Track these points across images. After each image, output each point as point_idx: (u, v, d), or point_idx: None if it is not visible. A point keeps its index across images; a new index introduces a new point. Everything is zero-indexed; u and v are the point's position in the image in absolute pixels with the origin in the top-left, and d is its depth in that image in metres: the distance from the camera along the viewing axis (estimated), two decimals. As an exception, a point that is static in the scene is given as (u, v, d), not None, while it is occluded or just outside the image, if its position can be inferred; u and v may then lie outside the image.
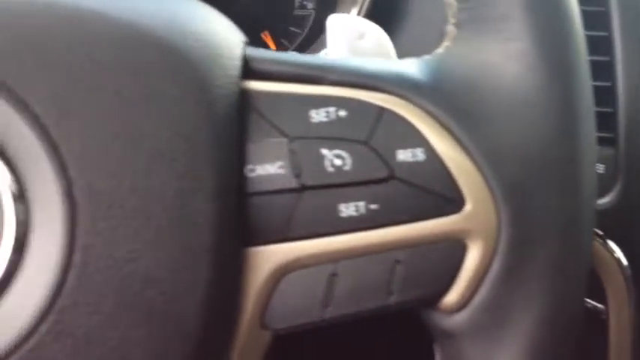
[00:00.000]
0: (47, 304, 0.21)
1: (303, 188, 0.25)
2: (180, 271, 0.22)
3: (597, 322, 0.49)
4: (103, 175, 0.22)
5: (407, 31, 0.56)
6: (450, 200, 0.25)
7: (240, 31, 0.27)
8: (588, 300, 0.48)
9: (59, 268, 0.21)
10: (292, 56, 0.27)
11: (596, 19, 0.48)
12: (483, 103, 0.26)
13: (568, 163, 0.26)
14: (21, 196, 0.21)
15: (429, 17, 0.56)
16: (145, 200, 0.22)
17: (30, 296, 0.21)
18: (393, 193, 0.25)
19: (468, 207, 0.25)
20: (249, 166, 0.24)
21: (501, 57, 0.26)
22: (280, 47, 0.65)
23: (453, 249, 0.26)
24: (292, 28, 0.65)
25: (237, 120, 0.24)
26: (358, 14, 0.58)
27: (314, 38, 0.64)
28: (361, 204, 0.25)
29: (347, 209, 0.25)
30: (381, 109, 0.25)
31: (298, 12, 0.65)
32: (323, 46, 0.62)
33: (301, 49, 0.65)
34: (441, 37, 0.55)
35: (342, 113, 0.25)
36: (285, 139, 0.25)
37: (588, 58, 0.27)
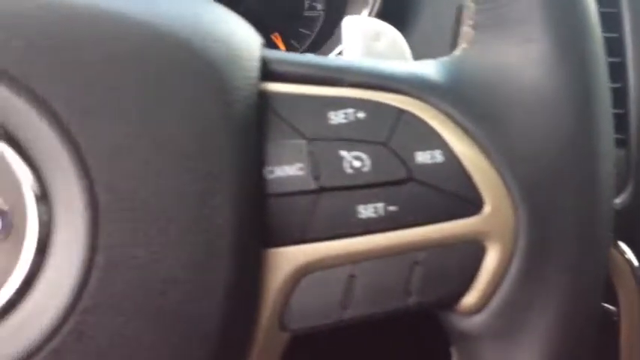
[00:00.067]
0: (70, 305, 0.21)
1: (322, 190, 0.25)
2: (201, 272, 0.22)
3: (609, 324, 0.49)
4: (124, 175, 0.22)
5: (417, 31, 0.56)
6: (468, 202, 0.25)
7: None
8: (600, 302, 0.48)
9: (82, 269, 0.21)
10: (310, 58, 0.27)
11: (607, 20, 0.48)
12: (501, 105, 0.26)
13: (586, 164, 0.26)
14: (44, 197, 0.21)
15: (440, 18, 0.56)
16: (165, 201, 0.22)
17: (52, 297, 0.21)
18: (411, 194, 0.25)
19: (487, 209, 0.25)
20: (268, 168, 0.24)
21: (519, 58, 0.26)
22: (290, 48, 0.65)
23: (471, 250, 0.26)
24: (302, 30, 0.65)
25: (256, 121, 0.24)
26: (369, 15, 0.58)
27: (324, 40, 0.64)
28: (380, 205, 0.25)
29: (366, 211, 0.25)
30: (400, 111, 0.25)
31: (308, 13, 0.65)
32: (333, 47, 0.62)
33: (311, 50, 0.65)
34: (451, 37, 0.55)
35: (361, 115, 0.25)
36: (303, 141, 0.25)
37: None
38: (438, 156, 0.25)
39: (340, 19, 0.64)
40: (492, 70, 0.26)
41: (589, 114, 0.26)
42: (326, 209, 0.25)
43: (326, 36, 0.64)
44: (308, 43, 0.65)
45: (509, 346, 0.26)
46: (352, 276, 0.25)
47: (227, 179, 0.23)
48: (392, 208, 0.25)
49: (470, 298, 0.26)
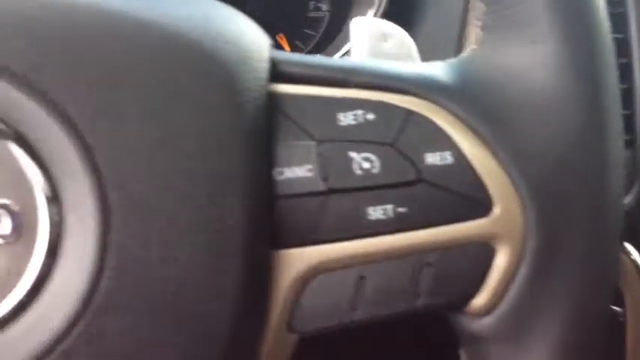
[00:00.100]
0: (81, 307, 0.21)
1: (331, 191, 0.25)
2: (211, 274, 0.22)
3: (615, 325, 0.49)
4: (135, 177, 0.22)
5: (423, 32, 0.56)
6: (478, 203, 0.25)
7: None
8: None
9: (93, 271, 0.21)
10: (319, 59, 0.27)
11: (613, 21, 0.48)
12: (511, 106, 0.26)
13: (596, 165, 0.26)
14: (54, 198, 0.22)
15: (446, 19, 0.56)
16: (176, 202, 0.22)
17: (63, 298, 0.21)
18: (421, 196, 0.25)
19: (497, 210, 0.25)
20: (278, 169, 0.24)
21: (528, 59, 0.26)
22: (295, 49, 0.65)
23: (480, 252, 0.26)
24: (307, 30, 0.65)
25: (266, 123, 0.24)
26: (375, 16, 0.58)
27: (329, 40, 0.64)
28: (389, 207, 0.25)
29: (375, 212, 0.25)
30: (409, 112, 0.25)
31: (312, 14, 0.65)
32: (338, 48, 0.61)
33: (316, 51, 0.64)
34: (457, 38, 0.55)
35: (370, 116, 0.25)
36: (313, 142, 0.25)
37: None
38: (447, 157, 0.25)
39: (345, 19, 0.64)
40: (501, 71, 0.26)
41: (598, 115, 0.26)
42: (335, 211, 0.25)
43: (331, 37, 0.64)
44: (313, 43, 0.65)
45: (518, 347, 0.26)
46: (361, 277, 0.25)
47: (237, 180, 0.23)
48: (401, 209, 0.25)
49: (479, 300, 0.26)
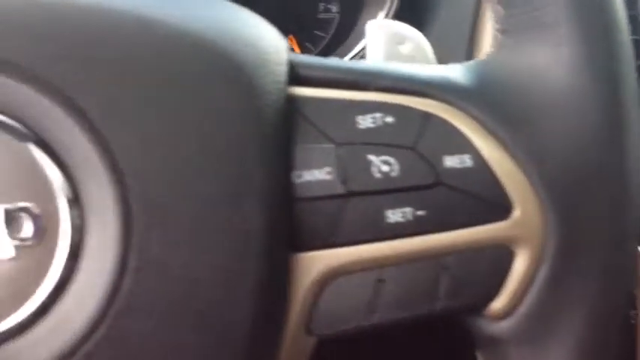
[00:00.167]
0: (102, 310, 0.21)
1: (350, 194, 0.25)
2: (231, 277, 0.22)
3: (626, 327, 0.48)
4: (157, 181, 0.22)
5: (434, 33, 0.56)
6: (498, 207, 0.25)
7: None
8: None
9: (114, 273, 0.21)
10: (337, 62, 0.27)
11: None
12: (530, 109, 0.26)
13: (616, 168, 0.25)
14: (76, 201, 0.22)
15: (456, 20, 0.56)
16: (196, 205, 0.22)
17: (85, 301, 0.21)
18: (440, 199, 0.25)
19: (516, 213, 0.25)
20: (297, 172, 0.24)
21: (548, 63, 0.26)
22: (304, 51, 0.65)
23: (500, 255, 0.26)
24: (316, 32, 0.65)
25: (285, 126, 0.24)
26: (386, 17, 0.58)
27: (339, 42, 0.64)
28: (408, 210, 0.25)
29: (394, 215, 0.25)
30: (428, 115, 0.25)
31: (322, 15, 0.65)
32: (349, 49, 0.62)
33: (326, 52, 0.65)
34: (468, 39, 0.55)
35: (389, 119, 0.25)
36: (332, 145, 0.25)
37: None
38: (467, 160, 0.25)
39: (355, 21, 0.64)
40: (520, 73, 0.26)
41: (618, 118, 0.26)
42: (354, 214, 0.25)
43: (341, 38, 0.65)
44: (323, 45, 0.65)
45: (537, 350, 0.26)
46: (380, 280, 0.25)
47: (257, 183, 0.23)
48: (420, 212, 0.25)
49: (498, 303, 0.26)
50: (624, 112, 0.26)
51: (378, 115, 0.25)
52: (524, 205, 0.25)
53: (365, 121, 0.25)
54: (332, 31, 0.65)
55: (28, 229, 0.21)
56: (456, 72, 0.27)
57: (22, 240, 0.21)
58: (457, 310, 0.26)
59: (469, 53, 0.55)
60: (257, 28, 0.26)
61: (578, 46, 0.26)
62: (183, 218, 0.22)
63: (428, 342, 0.43)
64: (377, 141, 0.25)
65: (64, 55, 0.22)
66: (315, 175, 0.24)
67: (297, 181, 0.24)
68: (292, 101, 0.25)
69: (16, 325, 0.21)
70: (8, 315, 0.21)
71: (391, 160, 0.25)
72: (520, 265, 0.26)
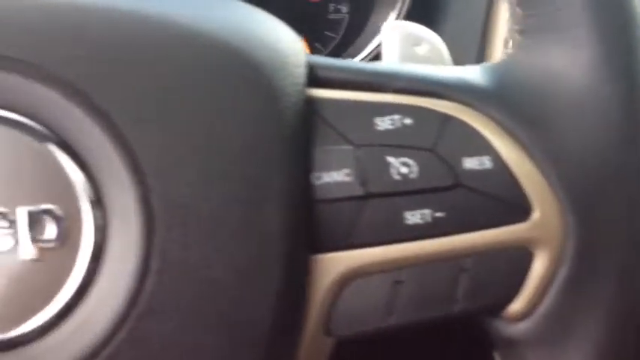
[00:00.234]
0: (124, 312, 0.21)
1: (369, 196, 0.25)
2: (251, 278, 0.23)
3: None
4: (178, 182, 0.22)
5: (446, 33, 0.56)
6: (517, 208, 0.25)
7: None
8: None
9: (136, 275, 0.21)
10: (355, 63, 0.27)
11: None
12: (549, 111, 0.26)
13: (634, 169, 0.25)
14: (98, 203, 0.22)
15: (468, 21, 0.56)
16: (217, 207, 0.22)
17: (107, 303, 0.21)
18: (459, 201, 0.25)
19: (536, 215, 0.25)
20: (316, 174, 0.24)
21: (567, 64, 0.26)
22: (314, 51, 0.65)
23: (519, 257, 0.26)
24: (327, 32, 0.65)
25: (304, 128, 0.24)
26: (397, 18, 0.58)
27: (349, 43, 0.64)
28: (427, 212, 0.25)
29: (413, 217, 0.25)
30: (447, 117, 0.25)
31: (332, 16, 0.65)
32: (359, 50, 0.62)
33: (336, 53, 0.65)
34: (480, 39, 0.55)
35: (408, 121, 0.25)
36: (350, 147, 0.25)
37: None
38: (486, 162, 0.25)
39: (365, 22, 0.64)
40: (539, 75, 0.26)
41: (636, 119, 0.25)
42: (373, 215, 0.25)
43: (351, 39, 0.64)
44: (333, 45, 0.65)
45: (555, 352, 0.26)
46: (398, 282, 0.25)
47: (277, 185, 0.23)
48: (439, 214, 0.25)
49: (517, 305, 0.26)
50: None
51: (396, 116, 0.25)
52: (544, 206, 0.25)
53: (383, 123, 0.25)
54: (342, 31, 0.65)
55: (51, 231, 0.21)
56: (474, 73, 0.27)
57: (45, 242, 0.21)
58: (476, 312, 0.26)
59: (481, 53, 0.55)
60: (276, 31, 0.26)
61: (596, 47, 0.25)
62: (204, 219, 0.22)
63: (445, 342, 0.42)
64: (396, 142, 0.25)
65: (86, 57, 0.22)
66: (334, 176, 0.24)
67: (317, 182, 0.24)
68: (311, 103, 0.25)
69: (38, 327, 0.21)
70: (31, 317, 0.21)
71: (410, 161, 0.25)
72: (539, 266, 0.25)
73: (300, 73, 0.25)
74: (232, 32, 0.24)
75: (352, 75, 0.26)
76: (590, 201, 0.25)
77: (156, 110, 0.22)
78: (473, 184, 0.25)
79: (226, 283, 0.22)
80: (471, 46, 0.55)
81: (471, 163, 0.25)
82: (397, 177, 0.25)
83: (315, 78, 0.25)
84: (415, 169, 0.25)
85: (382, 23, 0.61)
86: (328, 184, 0.24)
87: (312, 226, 0.24)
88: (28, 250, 0.21)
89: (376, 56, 0.60)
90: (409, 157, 0.25)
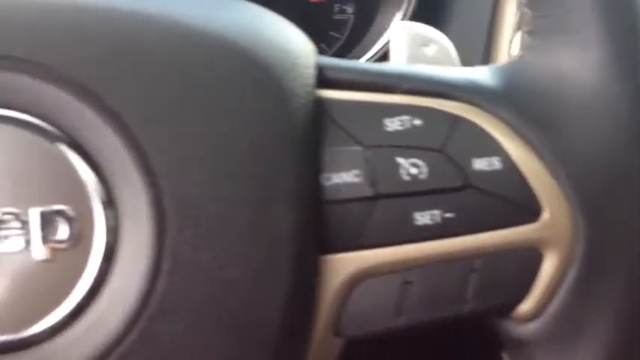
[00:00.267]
0: (136, 312, 0.21)
1: (379, 197, 0.25)
2: (261, 279, 0.23)
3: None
4: (190, 184, 0.22)
5: (451, 35, 0.56)
6: (527, 209, 0.25)
7: None
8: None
9: (148, 276, 0.21)
10: (364, 65, 0.27)
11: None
12: (559, 111, 0.26)
13: None
14: (110, 204, 0.22)
15: (474, 21, 0.56)
16: (228, 208, 0.22)
17: (119, 303, 0.22)
18: (469, 201, 0.25)
19: (545, 216, 0.25)
20: (325, 175, 0.25)
21: (577, 65, 0.26)
22: (319, 52, 0.65)
23: (528, 257, 0.26)
24: (332, 33, 0.65)
25: (314, 129, 0.24)
26: (403, 18, 0.58)
27: (354, 43, 0.64)
28: (437, 212, 0.25)
29: (422, 218, 0.25)
30: (456, 118, 0.25)
31: (337, 16, 0.65)
32: (365, 51, 0.62)
33: (341, 53, 0.65)
34: (485, 40, 0.55)
35: (417, 122, 0.25)
36: (360, 148, 0.25)
37: None
38: (495, 163, 0.25)
39: (371, 22, 0.64)
40: (549, 76, 0.26)
41: None
42: (382, 216, 0.25)
43: (356, 39, 0.64)
44: (338, 46, 0.65)
45: (564, 352, 0.26)
46: (408, 282, 0.25)
47: (286, 186, 0.23)
48: (449, 215, 0.25)
49: (526, 305, 0.26)
50: None
51: (405, 117, 0.25)
52: (553, 207, 0.25)
53: (393, 124, 0.25)
54: (347, 32, 0.65)
55: (63, 231, 0.21)
56: (483, 74, 0.27)
57: (58, 242, 0.21)
58: (485, 312, 0.26)
59: (486, 54, 0.55)
60: (286, 32, 0.26)
61: (605, 48, 0.25)
62: (215, 220, 0.22)
63: (453, 343, 0.43)
64: (405, 143, 0.25)
65: (97, 59, 0.22)
66: (344, 177, 0.25)
67: (326, 183, 0.24)
68: (320, 104, 0.25)
69: (51, 327, 0.21)
70: (43, 317, 0.21)
71: (419, 162, 0.25)
72: (549, 267, 0.26)
73: (310, 74, 0.25)
74: (242, 34, 0.24)
75: (361, 76, 0.26)
76: (599, 201, 0.25)
77: (167, 111, 0.22)
78: (482, 185, 0.25)
79: (236, 284, 0.22)
80: (476, 46, 0.55)
81: (480, 163, 0.25)
82: (407, 178, 0.25)
83: (324, 79, 0.26)
84: (425, 169, 0.25)
85: (388, 24, 0.61)
86: (338, 184, 0.25)
87: (322, 226, 0.24)
88: (40, 251, 0.21)
89: (382, 57, 0.60)
90: (419, 157, 0.25)
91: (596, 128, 0.25)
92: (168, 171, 0.22)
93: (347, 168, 0.25)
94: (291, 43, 0.25)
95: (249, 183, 0.22)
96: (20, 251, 0.21)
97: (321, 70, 0.26)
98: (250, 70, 0.23)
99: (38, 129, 0.22)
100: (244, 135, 0.23)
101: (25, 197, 0.21)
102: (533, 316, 0.26)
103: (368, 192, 0.25)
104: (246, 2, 0.27)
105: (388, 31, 0.61)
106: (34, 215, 0.21)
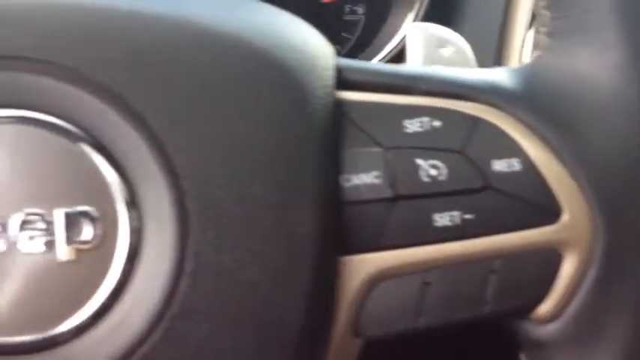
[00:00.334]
0: (159, 312, 0.22)
1: (398, 198, 0.25)
2: (283, 279, 0.23)
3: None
4: (212, 185, 0.22)
5: (463, 35, 0.56)
6: (547, 210, 0.25)
7: None
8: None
9: (171, 277, 0.22)
10: (383, 66, 0.27)
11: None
12: (578, 113, 0.26)
13: None
14: (134, 206, 0.22)
15: (486, 22, 0.56)
16: (250, 209, 0.22)
17: (142, 304, 0.22)
18: (488, 203, 0.25)
19: (565, 217, 0.25)
20: (345, 176, 0.25)
21: (596, 67, 0.26)
22: (332, 53, 0.65)
23: (548, 259, 0.26)
24: (343, 34, 0.65)
25: (334, 130, 0.24)
26: (415, 19, 0.58)
27: (365, 44, 0.64)
28: (456, 214, 0.25)
29: (442, 219, 0.25)
30: (476, 119, 0.25)
31: (348, 17, 0.65)
32: (376, 51, 0.62)
33: (352, 54, 0.65)
34: (497, 41, 0.55)
35: (437, 123, 0.25)
36: (379, 149, 0.25)
37: None
38: (515, 164, 0.25)
39: (382, 23, 0.64)
40: (568, 77, 0.26)
41: None
42: (402, 217, 0.25)
43: (367, 40, 0.65)
44: (349, 47, 0.65)
45: (584, 353, 0.26)
46: (427, 283, 0.25)
47: (308, 188, 0.23)
48: (468, 216, 0.25)
49: (545, 306, 0.26)
50: None
51: (425, 119, 0.25)
52: (573, 208, 0.25)
53: (412, 125, 0.25)
54: (358, 33, 0.65)
55: (87, 232, 0.22)
56: (501, 76, 0.27)
57: (82, 243, 0.22)
58: (505, 314, 0.26)
59: (498, 54, 0.55)
60: (305, 34, 0.26)
61: (624, 49, 0.25)
62: (237, 221, 0.22)
63: (468, 343, 0.43)
64: (425, 145, 0.25)
65: (121, 60, 0.22)
66: (363, 178, 0.25)
67: (346, 184, 0.25)
68: (340, 106, 0.25)
69: (74, 327, 0.22)
70: (68, 317, 0.22)
71: (439, 163, 0.25)
72: (568, 268, 0.26)
73: (329, 75, 0.25)
74: (264, 36, 0.24)
75: (380, 77, 0.26)
76: (618, 202, 0.25)
77: (189, 113, 0.22)
78: (502, 187, 0.25)
79: (258, 285, 0.22)
80: (488, 47, 0.55)
81: (500, 165, 0.25)
82: (426, 179, 0.25)
83: (343, 80, 0.26)
84: (444, 171, 0.25)
85: (399, 25, 0.61)
86: (357, 186, 0.25)
87: (342, 227, 0.24)
88: (64, 252, 0.21)
89: (394, 58, 0.61)
90: (438, 159, 0.25)
91: (615, 129, 0.25)
92: (190, 172, 0.22)
93: (367, 169, 0.25)
94: (311, 45, 0.25)
95: (271, 184, 0.23)
96: (45, 252, 0.21)
97: (339, 71, 0.26)
98: (271, 72, 0.23)
99: (62, 130, 0.22)
100: (266, 136, 0.23)
101: (50, 198, 0.21)
102: (552, 317, 0.26)
103: (387, 193, 0.25)
104: (266, 5, 0.27)
105: (400, 32, 0.61)
106: (58, 216, 0.21)
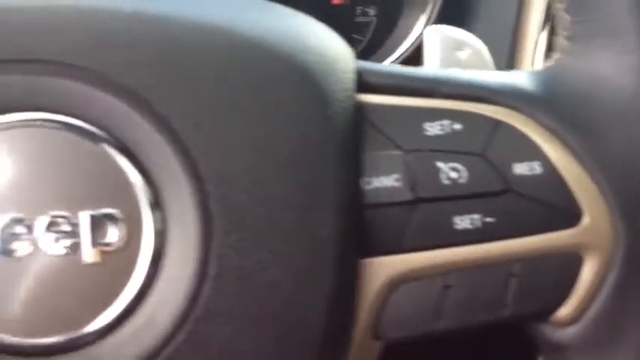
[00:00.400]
0: (183, 314, 0.22)
1: (419, 201, 0.25)
2: (305, 282, 0.23)
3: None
4: (235, 187, 0.22)
5: (476, 37, 0.56)
6: (567, 214, 0.25)
7: None
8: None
9: (195, 279, 0.22)
10: (403, 69, 0.27)
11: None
12: (599, 116, 0.26)
13: None
14: (158, 208, 0.22)
15: (500, 24, 0.56)
16: (272, 212, 0.22)
17: (167, 306, 0.22)
18: (509, 206, 0.25)
19: (586, 220, 0.25)
20: (366, 179, 0.25)
21: (616, 70, 0.26)
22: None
23: (568, 262, 0.26)
24: (354, 35, 0.65)
25: (354, 133, 0.25)
26: (427, 21, 0.58)
27: (377, 46, 0.64)
28: (477, 217, 0.25)
29: (462, 222, 0.25)
30: (496, 122, 0.26)
31: (360, 19, 0.65)
32: (388, 53, 0.62)
33: (364, 56, 0.65)
34: (510, 43, 0.55)
35: (457, 126, 0.25)
36: (400, 152, 0.25)
37: None
38: (536, 167, 0.25)
39: (393, 25, 0.64)
40: (588, 80, 0.26)
41: None
42: (422, 220, 0.25)
43: (379, 42, 0.65)
44: (360, 49, 0.65)
45: (603, 357, 0.26)
46: (447, 286, 0.25)
47: (329, 190, 0.23)
48: (489, 219, 0.25)
49: (565, 310, 0.26)
50: None
51: (446, 122, 0.25)
52: (594, 211, 0.25)
53: (433, 128, 0.25)
54: (369, 34, 0.65)
55: (112, 234, 0.22)
56: (522, 79, 0.27)
57: (107, 245, 0.22)
58: (525, 317, 0.26)
59: (511, 56, 0.55)
60: (325, 37, 0.26)
61: None
62: (260, 224, 0.22)
63: (489, 346, 0.43)
64: (445, 148, 0.25)
65: (145, 64, 0.22)
66: (384, 181, 0.25)
67: (366, 187, 0.25)
68: (360, 108, 0.25)
69: (99, 328, 0.22)
70: (93, 318, 0.22)
71: (459, 166, 0.25)
72: (588, 271, 0.26)
73: (350, 78, 0.25)
74: (286, 39, 0.24)
75: (401, 80, 0.26)
76: (638, 205, 0.25)
77: (213, 116, 0.22)
78: (523, 190, 0.25)
79: (280, 287, 0.23)
80: (501, 49, 0.55)
81: (520, 168, 0.25)
82: (446, 182, 0.25)
83: (363, 83, 0.26)
84: (465, 174, 0.25)
85: (411, 26, 0.61)
86: (378, 189, 0.25)
87: (363, 230, 0.24)
88: (90, 254, 0.22)
89: (406, 60, 0.61)
90: (459, 162, 0.25)
91: (635, 132, 0.25)
92: (214, 175, 0.22)
93: (387, 172, 0.25)
94: (331, 48, 0.25)
95: (293, 186, 0.23)
96: (70, 254, 0.22)
97: (360, 74, 0.26)
98: (293, 75, 0.23)
99: (88, 133, 0.22)
100: (287, 139, 0.23)
101: (76, 200, 0.22)
102: (572, 320, 0.26)
103: (408, 196, 0.25)
104: (287, 8, 0.27)
105: (412, 33, 0.61)
106: (84, 218, 0.22)
